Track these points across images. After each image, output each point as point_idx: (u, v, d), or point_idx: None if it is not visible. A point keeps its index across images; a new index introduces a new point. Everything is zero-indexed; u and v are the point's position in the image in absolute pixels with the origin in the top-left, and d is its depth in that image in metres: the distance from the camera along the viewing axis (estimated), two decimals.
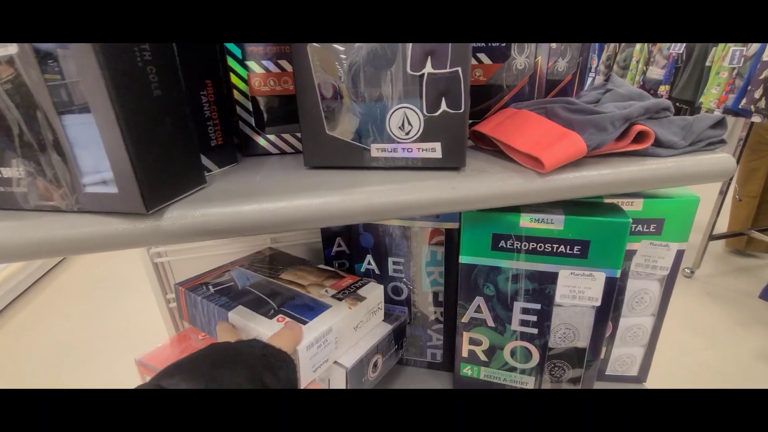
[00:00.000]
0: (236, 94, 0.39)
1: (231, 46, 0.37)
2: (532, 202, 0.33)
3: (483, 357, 0.46)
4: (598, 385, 0.50)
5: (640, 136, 0.36)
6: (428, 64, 0.30)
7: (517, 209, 0.39)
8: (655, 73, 1.84)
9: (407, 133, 0.33)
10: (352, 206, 0.29)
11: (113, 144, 0.24)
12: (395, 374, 0.55)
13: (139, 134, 0.24)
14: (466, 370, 0.48)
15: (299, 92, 0.33)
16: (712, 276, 1.91)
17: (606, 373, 0.50)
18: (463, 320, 0.44)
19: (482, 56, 0.42)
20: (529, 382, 0.46)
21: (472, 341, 0.45)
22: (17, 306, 1.81)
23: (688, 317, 1.62)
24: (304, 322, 0.41)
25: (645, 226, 0.42)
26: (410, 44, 0.30)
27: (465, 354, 0.47)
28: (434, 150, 0.33)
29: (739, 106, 1.51)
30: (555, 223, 0.36)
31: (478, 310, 0.43)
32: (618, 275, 0.39)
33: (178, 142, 0.28)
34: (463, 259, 0.42)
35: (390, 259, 0.52)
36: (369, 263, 0.53)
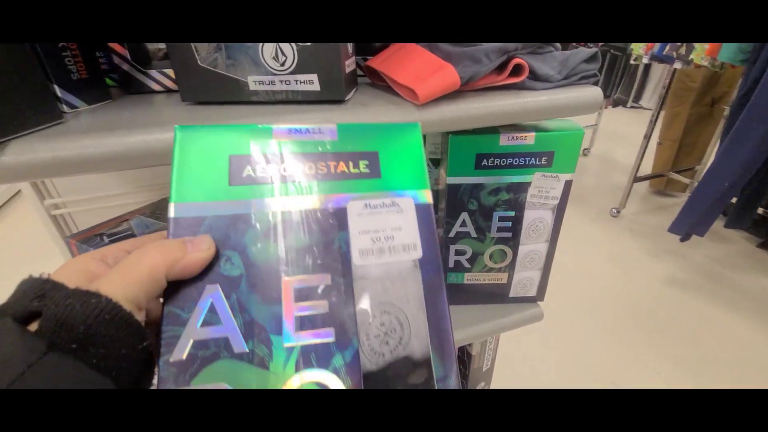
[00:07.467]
0: None
1: None
2: None
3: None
4: (502, 308, 0.56)
5: (518, 70, 0.38)
6: None
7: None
8: None
9: (282, 64, 0.32)
10: None
11: None
12: None
13: None
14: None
15: None
16: (635, 214, 2.10)
17: (510, 295, 0.56)
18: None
19: None
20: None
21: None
22: None
23: (610, 251, 1.80)
24: None
25: (537, 159, 0.45)
26: None
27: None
28: (312, 82, 0.33)
29: (663, 53, 1.59)
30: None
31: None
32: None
33: (12, 71, 0.25)
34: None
35: None
36: None
